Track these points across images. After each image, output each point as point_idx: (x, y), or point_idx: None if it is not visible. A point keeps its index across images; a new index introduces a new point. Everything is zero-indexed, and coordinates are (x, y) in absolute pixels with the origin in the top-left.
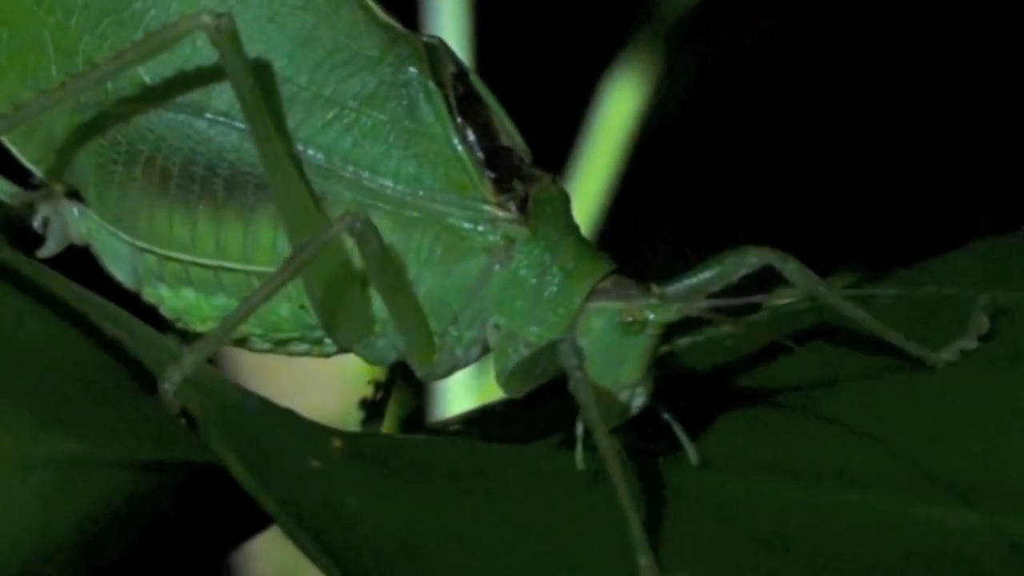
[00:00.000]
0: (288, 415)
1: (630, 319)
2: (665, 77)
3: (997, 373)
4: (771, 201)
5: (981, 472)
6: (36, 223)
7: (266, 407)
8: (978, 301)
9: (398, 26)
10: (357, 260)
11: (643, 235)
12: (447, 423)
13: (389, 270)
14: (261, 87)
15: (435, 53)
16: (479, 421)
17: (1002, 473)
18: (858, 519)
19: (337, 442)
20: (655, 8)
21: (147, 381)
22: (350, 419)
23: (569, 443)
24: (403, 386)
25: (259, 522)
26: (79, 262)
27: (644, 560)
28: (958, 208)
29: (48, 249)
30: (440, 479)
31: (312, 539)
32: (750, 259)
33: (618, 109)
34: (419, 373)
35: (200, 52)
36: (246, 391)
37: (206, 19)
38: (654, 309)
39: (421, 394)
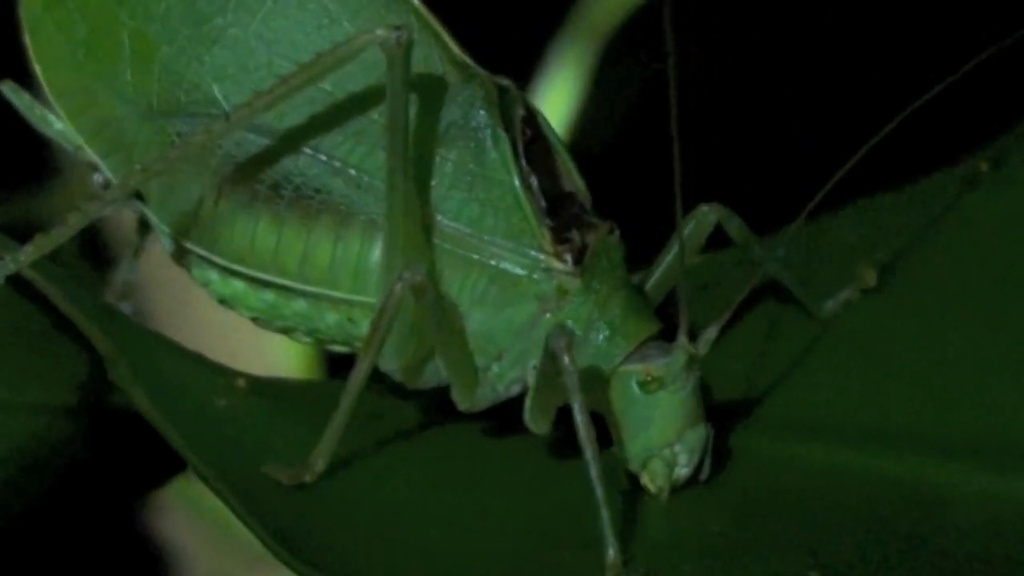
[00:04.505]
0: (195, 356)
1: (648, 378)
2: (597, 91)
3: (880, 322)
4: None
5: (868, 415)
6: (97, 181)
7: (174, 348)
8: (872, 257)
9: (472, 64)
10: (414, 309)
11: None
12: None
13: (443, 318)
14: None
15: (506, 95)
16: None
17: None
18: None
19: (242, 382)
20: (583, 19)
21: (65, 326)
22: None
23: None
24: None
25: (171, 467)
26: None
27: (598, 489)
28: None
29: None
30: None
31: (215, 473)
32: (710, 217)
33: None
34: (461, 406)
35: (276, 73)
36: (156, 334)
37: (382, 32)
38: (666, 367)
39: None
